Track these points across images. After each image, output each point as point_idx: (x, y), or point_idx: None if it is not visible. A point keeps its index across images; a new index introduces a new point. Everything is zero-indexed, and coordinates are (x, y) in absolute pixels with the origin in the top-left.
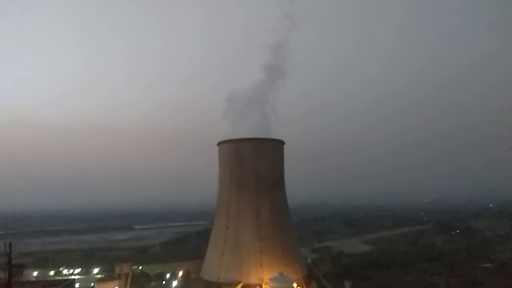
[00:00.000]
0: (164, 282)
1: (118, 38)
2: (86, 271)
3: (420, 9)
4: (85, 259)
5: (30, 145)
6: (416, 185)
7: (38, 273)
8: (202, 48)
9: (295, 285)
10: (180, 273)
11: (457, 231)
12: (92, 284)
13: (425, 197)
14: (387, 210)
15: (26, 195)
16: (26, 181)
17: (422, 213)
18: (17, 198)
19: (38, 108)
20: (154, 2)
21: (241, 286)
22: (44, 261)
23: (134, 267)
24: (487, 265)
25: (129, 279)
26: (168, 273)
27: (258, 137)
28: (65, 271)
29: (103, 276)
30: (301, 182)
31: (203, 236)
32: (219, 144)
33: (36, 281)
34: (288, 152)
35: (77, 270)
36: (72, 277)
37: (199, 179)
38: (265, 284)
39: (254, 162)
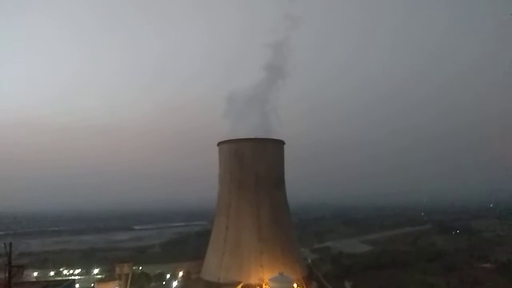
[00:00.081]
0: (164, 283)
1: (117, 38)
2: (86, 272)
3: (420, 8)
4: (85, 260)
5: (30, 145)
6: (416, 185)
7: (38, 274)
8: (201, 48)
9: (295, 285)
10: (180, 274)
11: (457, 231)
12: (92, 284)
13: (425, 197)
14: (387, 210)
15: (26, 195)
16: (26, 181)
17: (422, 213)
18: (17, 198)
19: (38, 108)
20: (153, 2)
21: (241, 287)
22: (44, 261)
23: (134, 268)
24: (488, 265)
25: (129, 280)
26: (168, 273)
27: (258, 137)
28: (65, 272)
29: (103, 276)
30: (301, 182)
31: (203, 237)
32: (219, 144)
33: (36, 282)
34: (288, 152)
35: (77, 271)
36: (72, 277)
37: (199, 179)
38: (265, 285)
39: (254, 162)
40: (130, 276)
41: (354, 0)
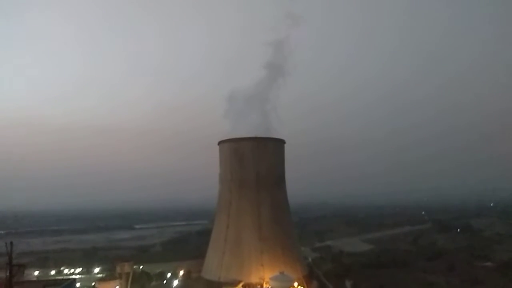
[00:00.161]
0: (165, 282)
1: (117, 38)
2: (87, 271)
3: (421, 8)
4: (86, 259)
5: (31, 145)
6: (417, 184)
7: (39, 273)
8: (202, 47)
9: (296, 284)
10: (181, 273)
11: (458, 230)
12: (93, 283)
13: (425, 196)
14: (388, 209)
15: (26, 195)
16: (27, 181)
17: (423, 212)
18: (17, 198)
19: (38, 108)
20: (154, 1)
21: (242, 286)
22: (45, 260)
23: (135, 267)
24: (488, 264)
25: (130, 279)
26: (169, 272)
27: (259, 136)
28: (66, 271)
29: (104, 275)
30: (301, 182)
31: (204, 236)
32: (219, 143)
33: (37, 281)
34: (288, 151)
35: (78, 270)
36: (73, 276)
37: (199, 179)
38: (266, 284)
39: (255, 162)
40: (131, 275)
41: (355, 0)
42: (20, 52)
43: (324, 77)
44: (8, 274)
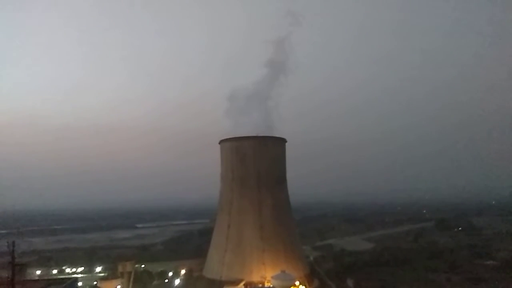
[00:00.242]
0: (166, 280)
1: (120, 37)
2: (89, 270)
3: (421, 8)
4: (87, 258)
5: (32, 144)
6: (418, 182)
7: (41, 272)
8: (204, 45)
9: (297, 283)
10: (183, 271)
11: (459, 228)
12: (95, 282)
13: (427, 195)
14: (389, 207)
15: (28, 194)
16: (29, 180)
17: (424, 211)
18: (19, 197)
19: (41, 108)
20: (155, 1)
21: (244, 284)
22: (47, 259)
23: (136, 266)
24: (490, 262)
25: (132, 278)
26: (170, 271)
27: (260, 135)
28: (68, 270)
29: (106, 274)
30: (303, 180)
31: (205, 235)
32: (220, 142)
33: (39, 280)
34: (290, 150)
35: (80, 269)
36: (75, 275)
37: (201, 178)
38: (267, 282)
39: (256, 160)
40: (132, 274)
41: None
42: (22, 52)
43: (325, 75)
44: (10, 273)
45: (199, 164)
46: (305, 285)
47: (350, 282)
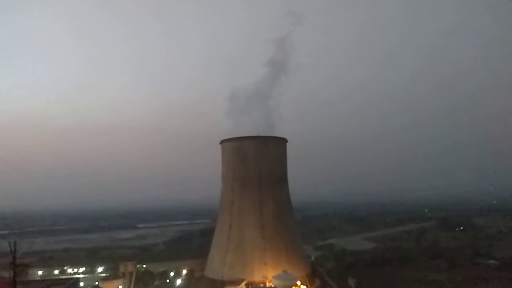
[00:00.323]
0: (168, 281)
1: (122, 37)
2: (91, 270)
3: (421, 7)
4: (89, 258)
5: (33, 146)
6: (420, 182)
7: (43, 272)
8: (207, 46)
9: (298, 282)
10: (184, 272)
11: (461, 227)
12: (97, 282)
13: (428, 194)
14: (390, 207)
15: (30, 195)
16: (30, 181)
17: (426, 210)
18: (21, 198)
19: (42, 109)
20: (157, 0)
21: (245, 284)
22: (48, 260)
23: (138, 266)
24: (491, 261)
25: (133, 278)
26: (172, 271)
27: (261, 135)
28: (69, 270)
29: (107, 274)
30: (304, 180)
31: (207, 235)
32: (221, 142)
33: (41, 280)
34: (291, 149)
35: (82, 269)
36: (77, 276)
37: (202, 178)
38: (268, 282)
39: (257, 160)
40: (134, 274)
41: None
42: (23, 52)
43: (326, 75)
44: (12, 273)
45: (200, 164)
46: (306, 285)
47: (351, 282)
